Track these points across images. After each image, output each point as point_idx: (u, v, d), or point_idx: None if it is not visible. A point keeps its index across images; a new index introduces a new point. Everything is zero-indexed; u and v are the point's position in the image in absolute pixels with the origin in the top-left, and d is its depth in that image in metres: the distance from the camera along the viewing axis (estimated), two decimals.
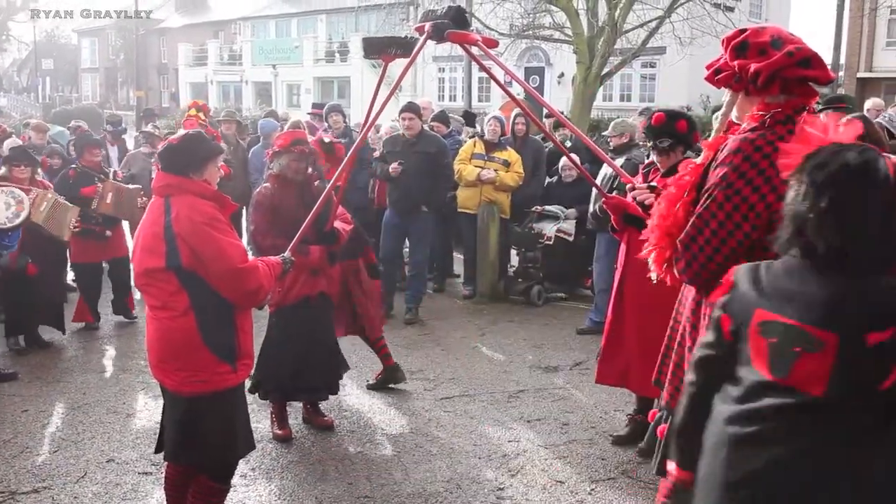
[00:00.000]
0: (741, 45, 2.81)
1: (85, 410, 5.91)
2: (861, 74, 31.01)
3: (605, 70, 19.88)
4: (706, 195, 2.80)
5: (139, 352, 7.30)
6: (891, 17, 29.06)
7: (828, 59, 26.72)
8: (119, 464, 5.01)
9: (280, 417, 5.51)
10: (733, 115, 2.97)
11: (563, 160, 9.20)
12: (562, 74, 31.45)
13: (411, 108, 8.44)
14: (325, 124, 10.11)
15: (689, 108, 27.13)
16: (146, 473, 4.91)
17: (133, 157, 9.87)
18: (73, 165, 8.07)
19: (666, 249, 2.93)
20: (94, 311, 8.05)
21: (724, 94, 3.03)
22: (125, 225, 8.42)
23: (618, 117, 8.60)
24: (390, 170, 8.21)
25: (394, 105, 21.71)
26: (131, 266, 3.96)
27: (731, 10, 22.52)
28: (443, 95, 36.53)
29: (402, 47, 4.79)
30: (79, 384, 6.48)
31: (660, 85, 31.45)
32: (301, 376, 5.40)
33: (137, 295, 8.06)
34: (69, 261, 8.28)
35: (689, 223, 2.83)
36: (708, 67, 2.94)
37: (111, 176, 8.11)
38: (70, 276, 9.36)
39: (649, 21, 19.49)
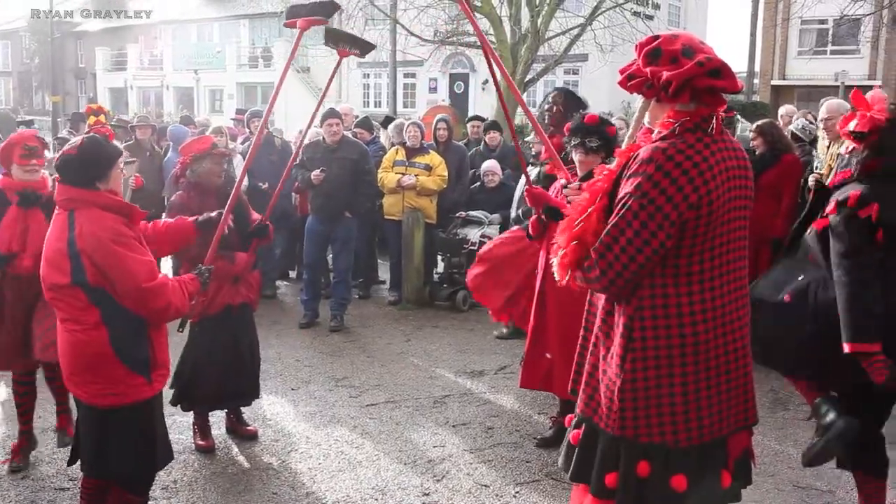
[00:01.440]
0: (654, 51, 2.85)
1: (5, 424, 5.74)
2: (775, 82, 32.00)
3: (529, 76, 20.12)
4: (621, 204, 2.83)
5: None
6: (802, 27, 30.02)
7: (742, 66, 27.56)
8: (35, 480, 4.87)
9: (203, 428, 5.43)
10: (645, 121, 3.03)
11: (485, 165, 9.30)
12: (486, 80, 31.70)
13: (335, 115, 8.42)
14: (248, 130, 10.00)
15: (611, 115, 27.65)
16: (62, 489, 4.77)
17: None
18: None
19: (572, 254, 2.95)
20: None
21: (638, 100, 3.09)
22: None
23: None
24: (312, 177, 8.16)
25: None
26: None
27: (650, 18, 23.06)
28: (368, 101, 36.50)
29: (361, 48, 4.75)
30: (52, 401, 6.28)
31: (582, 91, 31.52)
32: (227, 384, 5.33)
33: None
34: None
35: (605, 232, 2.85)
36: (621, 72, 2.97)
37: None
38: None
39: (571, 28, 19.82)
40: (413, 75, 35.19)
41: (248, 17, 42.24)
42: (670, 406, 2.90)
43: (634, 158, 2.86)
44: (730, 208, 2.85)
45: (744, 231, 2.97)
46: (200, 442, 5.37)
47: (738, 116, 9.00)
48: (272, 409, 6.06)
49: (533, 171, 6.89)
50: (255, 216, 5.44)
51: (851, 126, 3.75)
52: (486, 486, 4.85)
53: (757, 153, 7.50)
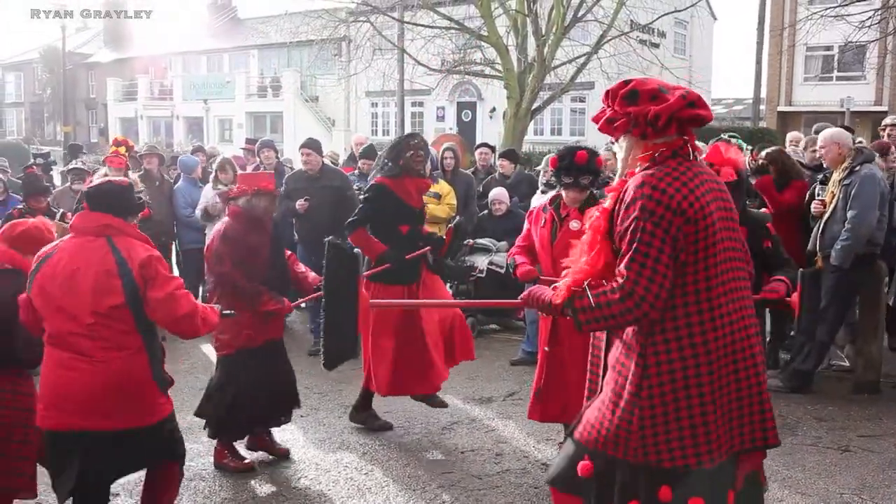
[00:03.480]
0: (631, 94, 3.02)
1: None
2: (781, 108, 32.12)
3: (536, 105, 20.26)
4: (631, 230, 2.91)
5: None
6: (808, 54, 30.19)
7: (749, 93, 27.65)
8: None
9: (232, 451, 5.53)
10: (627, 163, 3.15)
11: (493, 193, 9.35)
12: (493, 109, 31.88)
13: (309, 145, 8.52)
14: (257, 159, 10.10)
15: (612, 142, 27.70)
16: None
17: (62, 194, 9.68)
18: (20, 206, 7.95)
19: (579, 280, 3.06)
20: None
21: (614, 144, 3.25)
22: None
23: (549, 151, 8.80)
24: (297, 206, 8.23)
25: (327, 138, 21.60)
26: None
27: (656, 46, 23.21)
28: (376, 130, 36.69)
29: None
30: None
31: (589, 119, 31.85)
32: (266, 411, 5.53)
33: None
34: None
35: (626, 265, 2.89)
36: (596, 120, 3.16)
37: (58, 217, 8.00)
38: None
39: (577, 57, 19.95)
40: (421, 104, 35.40)
41: (256, 48, 42.58)
42: (691, 428, 2.93)
43: (625, 191, 2.99)
44: (722, 227, 2.95)
45: (739, 252, 3.07)
46: (233, 464, 5.46)
47: (739, 140, 9.07)
48: (282, 435, 6.09)
49: (543, 198, 6.95)
50: (311, 276, 5.69)
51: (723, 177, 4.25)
52: None
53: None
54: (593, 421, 3.11)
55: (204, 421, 5.52)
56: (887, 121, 7.14)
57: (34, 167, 11.88)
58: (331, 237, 3.85)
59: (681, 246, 2.87)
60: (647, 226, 2.86)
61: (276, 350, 5.59)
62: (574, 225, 4.96)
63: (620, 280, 2.89)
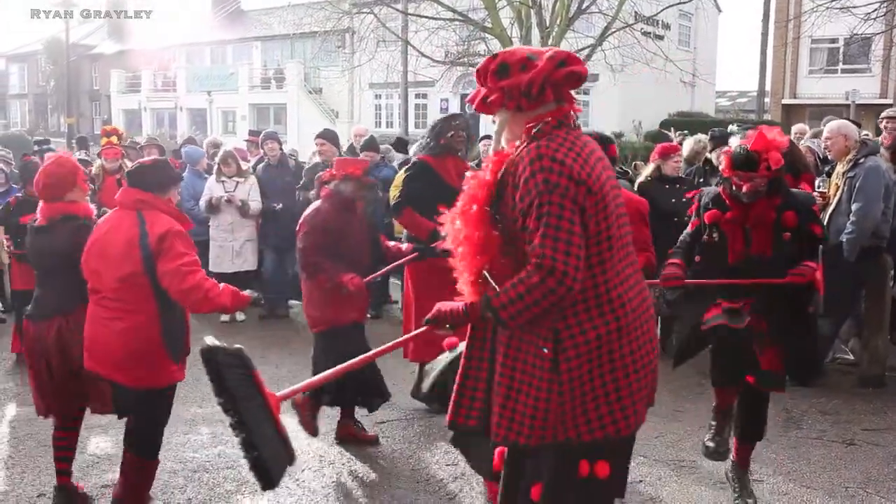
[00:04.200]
0: (501, 67, 2.91)
1: (14, 444, 5.78)
2: (786, 101, 32.04)
3: None
4: (538, 206, 2.76)
5: None
6: (812, 46, 30.09)
7: (753, 86, 27.61)
8: (50, 498, 4.91)
9: (357, 422, 5.84)
10: (505, 136, 3.03)
11: None
12: None
13: (323, 135, 8.53)
14: (261, 151, 10.09)
15: (622, 134, 27.71)
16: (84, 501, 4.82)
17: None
18: (18, 195, 7.97)
19: (474, 269, 2.94)
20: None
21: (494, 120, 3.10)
22: None
23: None
24: (311, 196, 8.25)
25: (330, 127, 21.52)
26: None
27: (660, 38, 23.14)
28: (380, 122, 36.67)
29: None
30: (9, 417, 6.34)
31: (594, 111, 32.00)
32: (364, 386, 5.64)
33: None
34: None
35: (540, 242, 2.74)
36: (471, 101, 3.04)
37: None
38: None
39: (582, 49, 19.91)
40: (424, 96, 35.37)
41: (260, 40, 42.58)
42: (615, 394, 2.86)
43: (514, 163, 2.87)
44: (613, 196, 2.88)
45: (626, 220, 2.98)
46: (362, 435, 5.81)
47: (734, 128, 9.06)
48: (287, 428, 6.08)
49: None
50: (404, 247, 5.93)
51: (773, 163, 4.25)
52: None
53: None
54: (502, 410, 2.95)
55: (196, 412, 5.51)
56: (886, 113, 7.08)
57: (32, 155, 11.89)
58: (204, 347, 2.85)
59: (588, 216, 2.77)
60: (554, 198, 2.72)
61: (360, 334, 5.71)
62: None
63: (535, 259, 2.73)
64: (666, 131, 8.71)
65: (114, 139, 8.99)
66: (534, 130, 2.87)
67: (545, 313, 2.79)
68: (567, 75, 2.86)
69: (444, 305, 3.02)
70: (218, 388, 2.76)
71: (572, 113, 2.96)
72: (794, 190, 4.67)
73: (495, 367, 3.00)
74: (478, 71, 3.01)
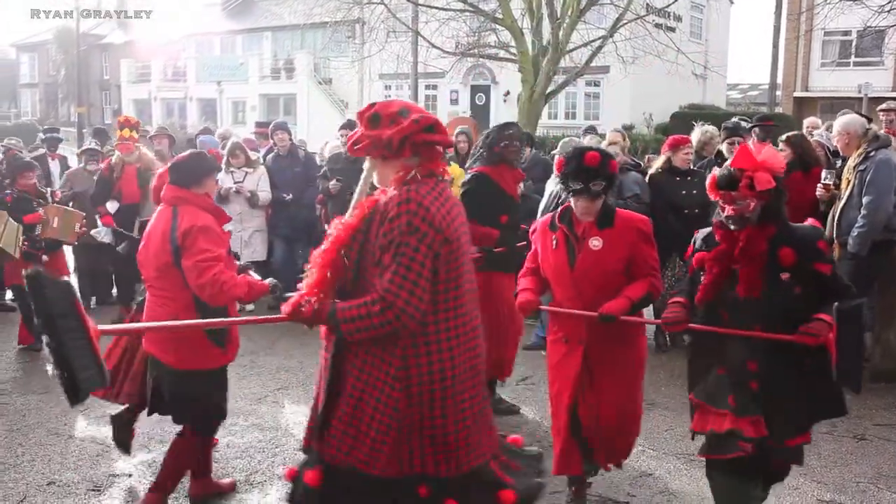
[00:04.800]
0: (373, 117, 3.14)
1: (24, 433, 5.80)
2: (798, 94, 31.87)
3: (550, 88, 20.13)
4: (396, 245, 2.96)
5: None
6: (825, 39, 29.90)
7: (765, 78, 27.46)
8: (60, 486, 4.93)
9: None
10: (376, 181, 3.26)
11: None
12: (507, 92, 31.75)
13: (349, 126, 8.54)
14: (271, 141, 10.08)
15: (633, 127, 27.62)
16: (95, 489, 4.83)
17: (75, 175, 9.70)
18: (9, 191, 7.90)
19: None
20: (35, 332, 7.89)
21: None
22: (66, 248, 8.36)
23: (563, 135, 8.73)
24: (329, 187, 8.24)
25: (340, 121, 21.63)
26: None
27: (672, 30, 23.01)
28: None
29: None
30: (18, 406, 6.36)
31: (604, 103, 31.92)
32: None
33: None
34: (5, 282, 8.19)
35: (389, 279, 2.95)
36: (349, 140, 3.28)
37: (49, 197, 8.00)
38: (8, 295, 9.21)
39: (593, 41, 19.81)
40: (434, 87, 35.30)
41: (270, 30, 42.50)
42: (454, 434, 3.06)
43: (379, 210, 3.07)
44: (465, 247, 3.15)
45: (472, 272, 3.23)
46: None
47: (735, 121, 8.99)
48: (295, 417, 6.10)
49: (553, 189, 6.93)
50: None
51: (759, 185, 3.73)
52: None
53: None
54: (340, 436, 3.11)
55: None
56: (884, 106, 7.01)
57: (42, 145, 11.90)
58: (29, 272, 2.92)
59: (439, 263, 2.99)
60: (412, 241, 2.94)
61: None
62: (595, 244, 4.34)
63: (381, 292, 2.95)
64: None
65: (126, 132, 8.99)
66: (407, 177, 3.08)
67: (381, 337, 3.00)
68: (425, 142, 3.10)
69: (300, 298, 3.14)
70: (38, 308, 2.82)
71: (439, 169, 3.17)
72: (798, 224, 3.91)
73: (342, 389, 3.14)
74: (357, 114, 3.24)
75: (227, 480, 4.98)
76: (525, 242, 5.51)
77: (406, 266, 2.94)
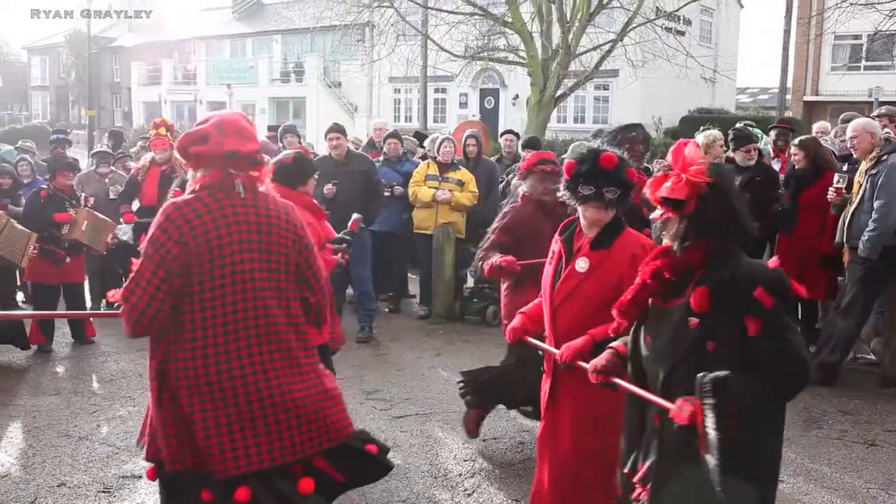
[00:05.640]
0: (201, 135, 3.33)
1: (35, 434, 5.82)
2: (808, 98, 31.75)
3: (559, 92, 20.14)
4: (144, 248, 3.22)
5: (91, 374, 7.23)
6: (835, 43, 29.81)
7: (775, 82, 27.35)
8: (70, 488, 4.94)
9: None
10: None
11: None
12: (516, 96, 31.72)
13: (337, 129, 8.56)
14: (281, 145, 10.10)
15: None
16: (105, 491, 4.85)
17: (87, 178, 9.73)
18: (45, 186, 8.06)
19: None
20: (47, 332, 7.92)
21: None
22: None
23: (572, 139, 8.74)
24: (325, 191, 8.26)
25: (350, 124, 21.60)
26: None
27: (682, 34, 23.01)
28: (399, 116, 36.63)
29: None
30: (29, 407, 6.38)
31: (613, 107, 31.85)
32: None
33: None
34: (21, 279, 8.22)
35: (130, 278, 3.21)
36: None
37: (82, 202, 8.06)
38: (20, 297, 9.24)
39: (602, 44, 19.83)
40: (444, 90, 35.30)
41: (280, 33, 42.59)
42: (218, 436, 3.16)
43: None
44: (244, 259, 3.20)
45: (273, 281, 3.28)
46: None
47: (757, 131, 8.94)
48: None
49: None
50: None
51: (664, 191, 2.87)
52: (516, 500, 4.85)
53: (797, 168, 7.47)
54: (143, 428, 3.49)
55: None
56: (849, 132, 6.93)
57: (54, 146, 11.95)
58: None
59: (176, 273, 3.12)
60: (149, 249, 3.15)
61: None
62: (581, 265, 3.73)
63: (123, 292, 3.22)
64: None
65: (162, 130, 9.03)
66: (196, 187, 3.28)
67: (139, 334, 3.23)
68: (195, 153, 3.26)
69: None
70: None
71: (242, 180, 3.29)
72: (753, 261, 2.88)
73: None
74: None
75: None
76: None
77: (140, 272, 3.14)
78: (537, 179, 5.26)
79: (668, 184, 2.86)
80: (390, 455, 5.43)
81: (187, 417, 3.16)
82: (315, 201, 5.00)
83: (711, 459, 2.57)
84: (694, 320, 2.80)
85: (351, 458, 3.47)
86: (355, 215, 5.99)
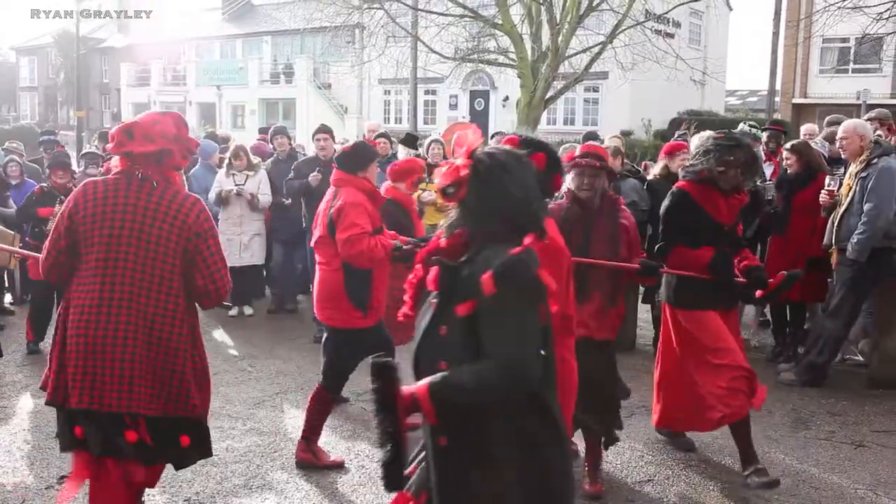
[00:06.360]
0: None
1: (23, 436, 5.80)
2: (796, 100, 31.90)
3: (549, 94, 20.19)
4: None
5: None
6: (824, 46, 29.95)
7: (764, 84, 27.48)
8: (59, 491, 4.92)
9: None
10: None
11: None
12: (506, 98, 31.78)
13: (324, 130, 8.57)
14: (271, 146, 10.09)
15: (632, 133, 27.64)
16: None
17: (77, 179, 9.69)
18: (43, 184, 8.19)
19: None
20: (38, 330, 7.88)
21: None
22: None
23: (562, 141, 8.74)
24: (310, 179, 8.25)
25: (339, 125, 21.58)
26: None
27: (671, 36, 23.08)
28: (388, 117, 36.65)
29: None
30: (17, 409, 6.35)
31: (603, 109, 31.95)
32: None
33: None
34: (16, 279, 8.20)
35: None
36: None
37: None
38: (7, 298, 9.20)
39: (592, 46, 19.87)
40: (434, 92, 35.33)
41: (270, 34, 42.57)
42: (56, 372, 3.71)
43: None
44: (112, 233, 3.65)
45: (142, 253, 3.66)
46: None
47: (745, 127, 8.97)
48: (293, 422, 6.09)
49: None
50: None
51: (439, 180, 2.76)
52: None
53: (790, 172, 7.50)
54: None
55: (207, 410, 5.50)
56: (840, 133, 6.94)
57: (41, 148, 11.92)
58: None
59: (63, 235, 3.71)
60: (58, 217, 3.84)
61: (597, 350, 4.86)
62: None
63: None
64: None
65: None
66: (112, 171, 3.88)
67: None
68: (108, 149, 3.99)
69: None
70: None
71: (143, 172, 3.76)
72: (507, 250, 2.59)
73: None
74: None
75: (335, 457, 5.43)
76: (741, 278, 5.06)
77: (53, 229, 3.84)
78: (576, 174, 4.98)
79: (442, 170, 2.76)
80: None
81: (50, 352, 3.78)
82: (374, 187, 5.35)
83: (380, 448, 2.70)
84: (434, 302, 2.73)
85: (163, 434, 3.71)
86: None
